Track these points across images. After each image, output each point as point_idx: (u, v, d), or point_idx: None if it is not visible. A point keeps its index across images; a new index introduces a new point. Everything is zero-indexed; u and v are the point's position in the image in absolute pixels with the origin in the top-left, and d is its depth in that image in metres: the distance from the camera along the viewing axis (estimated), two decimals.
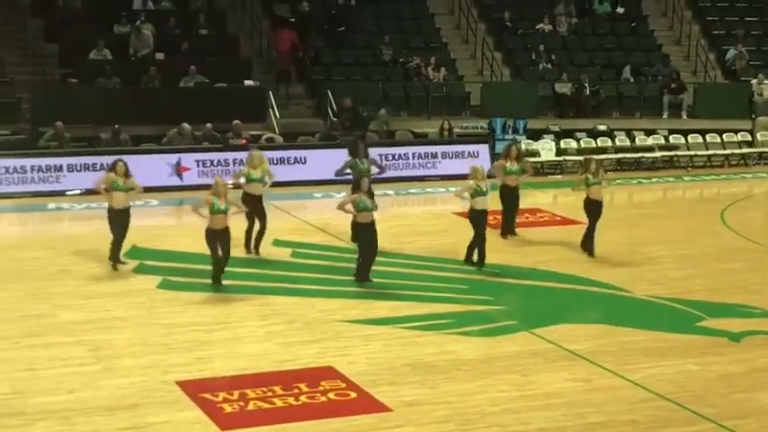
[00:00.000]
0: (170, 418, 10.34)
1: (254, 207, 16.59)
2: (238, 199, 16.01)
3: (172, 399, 10.86)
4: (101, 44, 26.68)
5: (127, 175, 15.97)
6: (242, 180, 16.94)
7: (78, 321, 13.42)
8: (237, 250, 16.50)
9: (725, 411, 10.73)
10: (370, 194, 15.67)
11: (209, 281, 14.97)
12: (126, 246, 16.89)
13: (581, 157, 26.22)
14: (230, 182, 16.34)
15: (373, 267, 15.83)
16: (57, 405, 10.60)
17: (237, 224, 15.97)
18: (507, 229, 18.22)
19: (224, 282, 15.03)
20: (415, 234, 18.46)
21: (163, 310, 14.03)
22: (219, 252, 14.82)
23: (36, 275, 15.60)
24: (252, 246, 16.78)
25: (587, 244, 17.12)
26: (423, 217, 18.34)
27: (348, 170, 17.68)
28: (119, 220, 15.86)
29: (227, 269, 14.99)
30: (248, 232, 16.73)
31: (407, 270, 16.30)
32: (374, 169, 17.76)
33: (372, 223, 15.27)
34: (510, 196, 18.05)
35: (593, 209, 17.14)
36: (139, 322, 13.45)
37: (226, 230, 14.84)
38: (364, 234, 15.29)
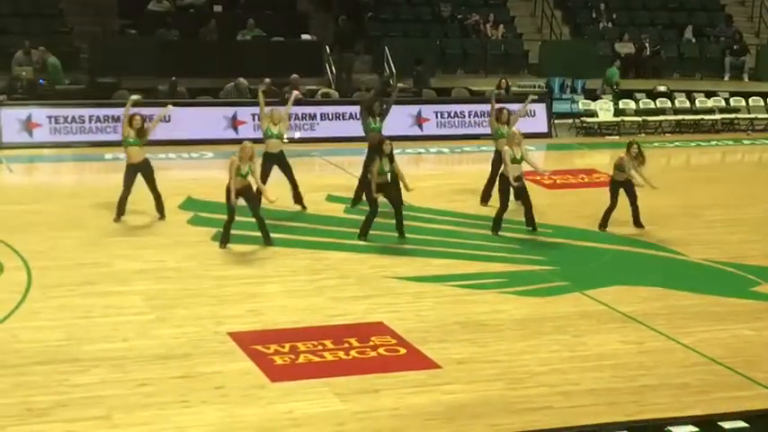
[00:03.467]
0: (222, 369, 10.44)
1: (275, 165, 16.44)
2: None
3: (224, 349, 10.97)
4: None
5: (142, 127, 15.84)
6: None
7: (133, 271, 13.57)
8: (289, 203, 16.61)
9: None
10: (390, 157, 15.35)
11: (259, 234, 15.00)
12: (181, 197, 17.07)
13: (639, 119, 26.09)
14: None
15: (426, 225, 15.83)
16: (111, 352, 10.75)
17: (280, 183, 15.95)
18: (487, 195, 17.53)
19: (276, 235, 15.07)
20: (468, 192, 18.38)
21: (216, 261, 14.15)
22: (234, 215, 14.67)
23: (92, 224, 15.79)
24: (295, 201, 16.72)
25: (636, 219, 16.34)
26: (477, 175, 18.22)
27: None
28: (131, 176, 15.86)
29: (276, 222, 14.86)
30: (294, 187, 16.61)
31: (459, 228, 16.27)
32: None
33: (390, 183, 15.12)
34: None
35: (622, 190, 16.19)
36: (193, 273, 13.57)
37: (248, 188, 14.74)
38: (382, 192, 15.15)
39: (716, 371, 10.83)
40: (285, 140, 16.81)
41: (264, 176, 16.09)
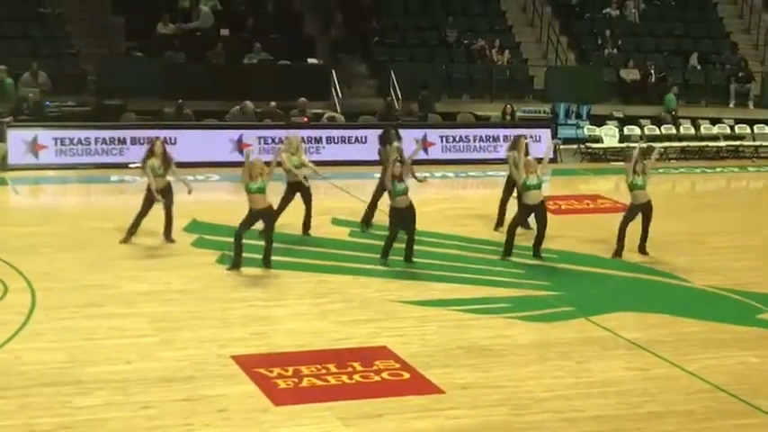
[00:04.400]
0: (225, 392, 10.42)
1: (295, 192, 16.50)
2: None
3: (227, 373, 10.95)
4: (167, 18, 26.90)
5: (165, 155, 15.86)
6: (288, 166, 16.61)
7: (137, 293, 13.57)
8: (293, 229, 16.62)
9: None
10: (400, 178, 15.33)
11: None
12: (186, 220, 17.09)
13: (644, 145, 26.07)
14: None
15: (431, 249, 15.83)
16: (114, 375, 10.73)
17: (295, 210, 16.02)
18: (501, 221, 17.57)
19: (281, 258, 15.08)
20: (473, 217, 18.39)
21: (220, 284, 14.14)
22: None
23: (97, 246, 15.80)
24: (304, 228, 16.76)
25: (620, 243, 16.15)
26: (482, 200, 18.26)
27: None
28: (152, 200, 15.85)
29: (281, 246, 14.92)
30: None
31: (465, 253, 16.26)
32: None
33: (407, 208, 15.15)
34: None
35: (638, 213, 16.09)
36: (197, 296, 13.57)
37: (268, 209, 14.74)
38: (395, 217, 15.20)
39: (720, 398, 10.80)
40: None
41: (285, 202, 16.24)
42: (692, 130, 27.32)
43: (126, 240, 15.89)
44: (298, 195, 16.64)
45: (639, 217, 16.14)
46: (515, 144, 17.47)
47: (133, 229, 15.98)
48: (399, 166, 15.30)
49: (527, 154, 17.11)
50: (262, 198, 14.61)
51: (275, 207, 15.22)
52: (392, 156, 16.62)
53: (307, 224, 16.85)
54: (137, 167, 16.16)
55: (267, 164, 14.87)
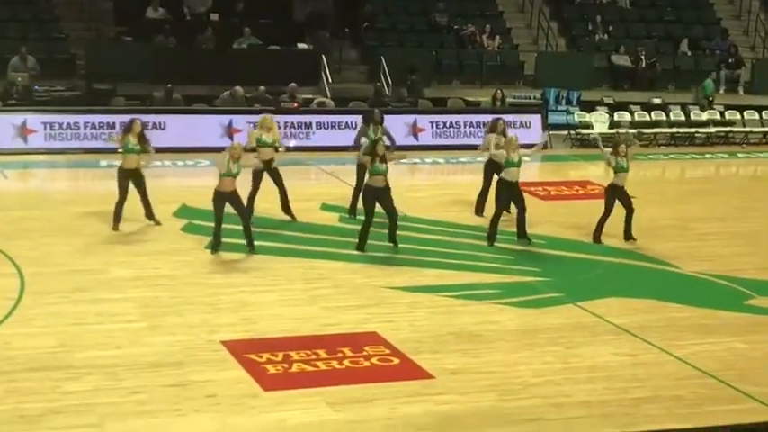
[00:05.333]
0: (214, 377, 10.43)
1: (267, 172, 16.39)
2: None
3: (216, 358, 10.96)
4: (156, 2, 26.80)
5: (142, 135, 15.88)
6: (253, 144, 16.55)
7: (127, 278, 13.56)
8: (280, 213, 16.59)
9: None
10: (383, 159, 15.23)
11: (258, 243, 14.97)
12: (175, 205, 17.07)
13: (634, 131, 26.14)
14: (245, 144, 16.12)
15: (421, 235, 15.85)
16: (104, 360, 10.73)
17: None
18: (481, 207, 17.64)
19: (270, 243, 15.07)
20: (463, 203, 18.39)
21: (209, 269, 14.14)
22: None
23: (87, 231, 15.77)
24: (284, 210, 16.69)
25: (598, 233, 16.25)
26: (472, 186, 18.21)
27: (363, 138, 17.38)
28: (126, 182, 15.86)
29: (260, 230, 14.89)
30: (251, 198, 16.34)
31: (454, 239, 16.27)
32: (385, 140, 17.28)
33: (383, 188, 15.12)
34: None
35: (616, 196, 16.11)
36: (186, 281, 13.56)
37: (233, 193, 14.72)
38: (371, 198, 15.14)
39: (709, 384, 10.84)
40: (281, 149, 16.78)
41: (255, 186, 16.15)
42: (682, 117, 27.33)
43: (116, 228, 15.85)
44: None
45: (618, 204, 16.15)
46: (493, 127, 17.73)
47: (118, 215, 15.92)
48: (383, 147, 15.28)
49: (505, 134, 17.22)
50: (231, 182, 14.60)
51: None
52: (375, 135, 16.68)
53: (285, 206, 16.72)
54: (113, 139, 16.02)
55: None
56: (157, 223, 16.03)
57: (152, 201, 16.11)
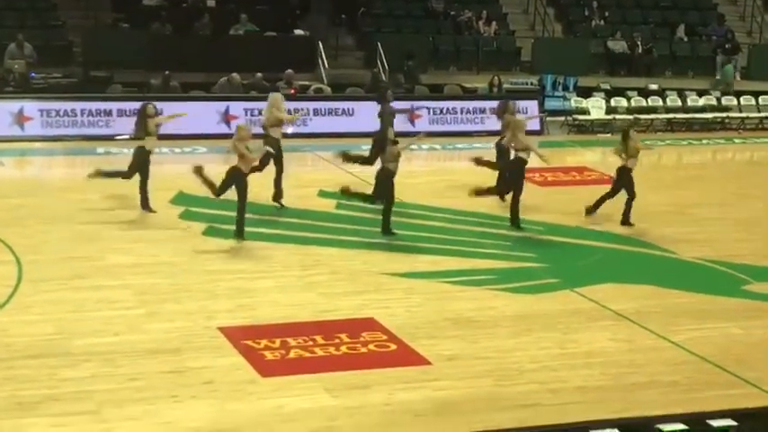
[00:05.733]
0: (212, 363, 10.45)
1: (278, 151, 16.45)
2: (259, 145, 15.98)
3: (214, 344, 10.97)
4: None
5: (155, 116, 16.25)
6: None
7: (124, 265, 13.56)
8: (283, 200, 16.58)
9: (766, 376, 10.65)
10: (395, 142, 15.46)
11: (255, 229, 14.97)
12: (172, 192, 17.07)
13: (631, 117, 26.16)
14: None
15: (417, 221, 15.88)
16: (102, 347, 10.74)
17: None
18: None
19: (267, 230, 15.09)
20: (460, 189, 18.34)
21: (207, 256, 14.14)
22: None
23: (84, 218, 15.77)
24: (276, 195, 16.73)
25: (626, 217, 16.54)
26: (469, 172, 18.23)
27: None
28: (148, 161, 16.08)
29: (257, 217, 14.93)
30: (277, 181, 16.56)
31: (451, 225, 16.29)
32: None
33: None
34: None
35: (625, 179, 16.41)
36: (184, 268, 13.57)
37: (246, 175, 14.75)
38: (389, 178, 15.26)
39: (706, 369, 10.87)
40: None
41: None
42: (679, 102, 27.35)
43: (150, 210, 15.98)
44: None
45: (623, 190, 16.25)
46: (509, 108, 17.68)
47: (144, 197, 16.03)
48: (392, 132, 15.52)
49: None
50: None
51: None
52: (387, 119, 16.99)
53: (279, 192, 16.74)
54: (124, 138, 16.15)
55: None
56: (151, 210, 16.05)
57: (149, 187, 16.11)
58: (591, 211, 16.56)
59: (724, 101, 26.82)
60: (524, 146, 15.92)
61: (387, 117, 18.21)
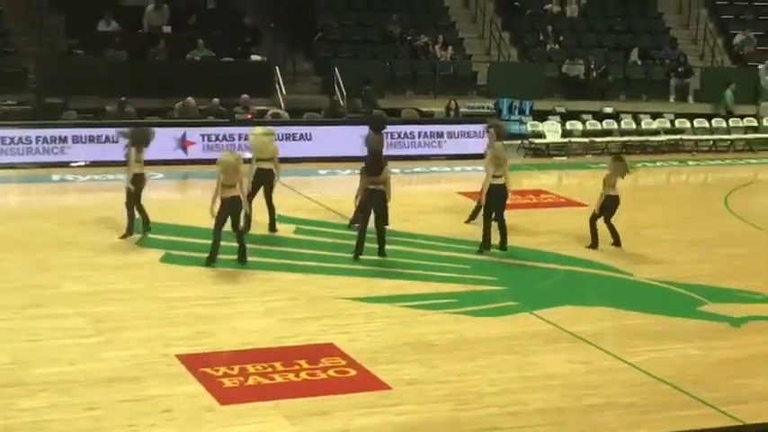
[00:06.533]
0: (170, 392, 10.37)
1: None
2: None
3: (172, 372, 10.90)
4: (108, 15, 26.66)
5: None
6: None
7: (80, 293, 13.45)
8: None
9: (723, 396, 10.74)
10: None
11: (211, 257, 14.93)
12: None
13: (586, 140, 26.38)
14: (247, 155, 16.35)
15: (374, 245, 15.88)
16: (57, 376, 10.64)
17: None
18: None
19: (226, 256, 15.03)
20: (419, 213, 18.46)
21: (165, 283, 14.06)
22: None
23: (39, 246, 15.63)
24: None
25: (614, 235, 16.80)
26: (427, 196, 18.34)
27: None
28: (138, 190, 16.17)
29: (226, 243, 14.95)
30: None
31: (410, 249, 16.31)
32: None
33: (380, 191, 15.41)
34: None
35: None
36: (141, 295, 13.48)
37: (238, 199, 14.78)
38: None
39: (663, 390, 10.94)
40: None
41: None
42: (633, 125, 27.63)
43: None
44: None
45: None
46: (495, 132, 17.90)
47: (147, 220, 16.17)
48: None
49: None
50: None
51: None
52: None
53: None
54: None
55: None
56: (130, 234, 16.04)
57: (104, 215, 16.02)
58: (617, 241, 16.69)
59: (569, 125, 26.97)
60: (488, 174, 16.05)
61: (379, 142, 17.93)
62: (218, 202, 14.65)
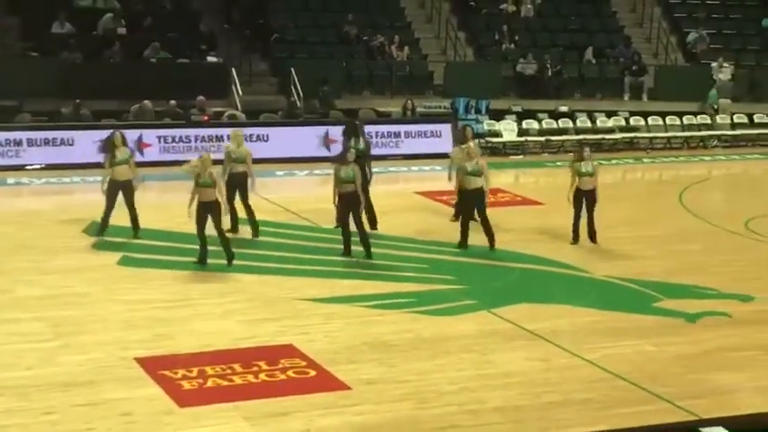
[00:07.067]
0: (128, 395, 10.32)
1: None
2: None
3: (130, 375, 10.85)
4: (62, 17, 26.45)
5: (124, 144, 16.22)
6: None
7: (37, 297, 13.35)
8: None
9: (679, 391, 10.86)
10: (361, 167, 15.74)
11: (171, 258, 14.88)
12: (85, 222, 16.85)
13: (542, 138, 26.53)
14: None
15: (335, 246, 15.89)
16: (14, 381, 10.56)
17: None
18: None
19: (183, 258, 14.98)
20: (377, 213, 18.44)
21: (122, 286, 13.98)
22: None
23: None
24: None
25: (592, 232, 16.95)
26: (384, 196, 18.33)
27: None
28: (116, 193, 16.00)
29: (171, 245, 14.94)
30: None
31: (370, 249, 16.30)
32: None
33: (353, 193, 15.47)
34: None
35: (583, 198, 16.81)
36: (98, 299, 13.40)
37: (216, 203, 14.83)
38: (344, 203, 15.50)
39: (620, 386, 11.04)
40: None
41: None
42: (588, 123, 27.82)
43: (101, 235, 15.93)
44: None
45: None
46: (462, 137, 18.20)
47: (105, 226, 15.98)
48: (353, 154, 15.71)
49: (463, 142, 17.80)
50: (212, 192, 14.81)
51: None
52: (359, 146, 17.03)
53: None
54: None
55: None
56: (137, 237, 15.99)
57: (60, 218, 15.91)
58: (575, 239, 16.84)
59: (525, 124, 27.16)
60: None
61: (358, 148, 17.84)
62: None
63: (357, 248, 15.70)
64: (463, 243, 16.24)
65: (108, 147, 16.08)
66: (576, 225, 16.80)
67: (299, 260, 15.41)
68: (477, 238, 16.82)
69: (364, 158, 16.83)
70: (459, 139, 18.42)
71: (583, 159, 16.90)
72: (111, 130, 16.60)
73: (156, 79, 25.35)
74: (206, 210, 14.73)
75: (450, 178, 17.40)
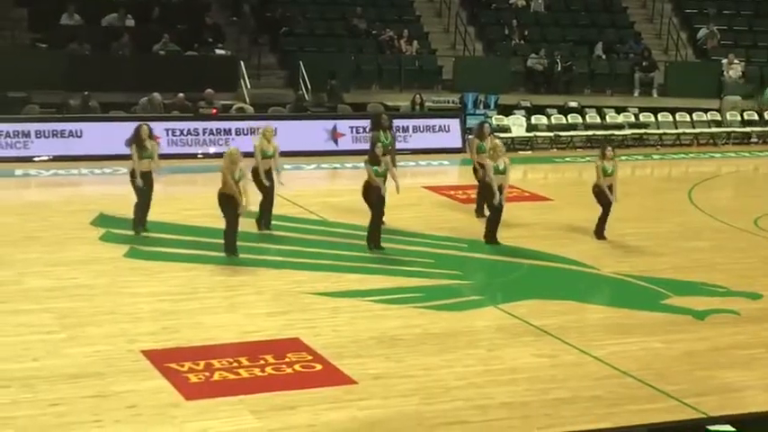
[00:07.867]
0: (135, 387, 10.32)
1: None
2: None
3: (137, 368, 10.85)
4: (71, 9, 26.46)
5: (151, 137, 16.11)
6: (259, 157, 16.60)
7: (44, 288, 13.35)
8: (206, 220, 16.46)
9: (687, 389, 10.83)
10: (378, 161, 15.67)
11: (179, 250, 14.87)
12: (93, 213, 16.86)
13: (551, 134, 26.47)
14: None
15: (343, 240, 15.86)
16: (21, 372, 10.56)
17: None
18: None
19: (190, 251, 14.97)
20: (384, 207, 18.40)
21: (129, 279, 13.98)
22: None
23: (2, 241, 15.49)
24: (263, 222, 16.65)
25: (599, 230, 16.98)
26: (392, 190, 18.28)
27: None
28: (150, 185, 15.97)
29: (179, 237, 14.90)
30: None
31: None
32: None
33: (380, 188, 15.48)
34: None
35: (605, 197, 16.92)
36: (106, 291, 13.40)
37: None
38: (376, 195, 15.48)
39: (627, 383, 11.01)
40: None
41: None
42: (598, 119, 27.74)
43: (138, 233, 15.82)
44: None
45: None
46: (480, 133, 18.41)
47: (142, 219, 15.91)
48: (381, 149, 15.69)
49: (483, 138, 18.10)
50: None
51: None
52: (388, 140, 17.21)
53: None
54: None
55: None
56: (137, 233, 15.88)
57: (68, 210, 15.91)
58: (600, 236, 16.88)
59: (534, 120, 27.04)
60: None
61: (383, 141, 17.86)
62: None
63: (363, 243, 15.69)
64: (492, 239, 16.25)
65: (136, 139, 16.01)
66: (603, 221, 16.87)
67: (306, 254, 15.39)
68: (481, 233, 16.80)
69: (390, 152, 16.80)
70: (478, 134, 18.43)
71: (605, 158, 16.87)
72: (138, 123, 16.49)
73: (164, 71, 25.35)
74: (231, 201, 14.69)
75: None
